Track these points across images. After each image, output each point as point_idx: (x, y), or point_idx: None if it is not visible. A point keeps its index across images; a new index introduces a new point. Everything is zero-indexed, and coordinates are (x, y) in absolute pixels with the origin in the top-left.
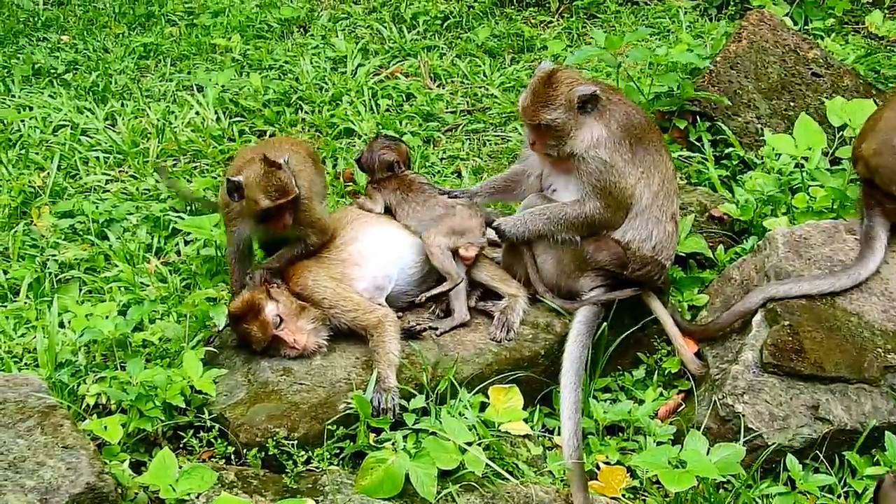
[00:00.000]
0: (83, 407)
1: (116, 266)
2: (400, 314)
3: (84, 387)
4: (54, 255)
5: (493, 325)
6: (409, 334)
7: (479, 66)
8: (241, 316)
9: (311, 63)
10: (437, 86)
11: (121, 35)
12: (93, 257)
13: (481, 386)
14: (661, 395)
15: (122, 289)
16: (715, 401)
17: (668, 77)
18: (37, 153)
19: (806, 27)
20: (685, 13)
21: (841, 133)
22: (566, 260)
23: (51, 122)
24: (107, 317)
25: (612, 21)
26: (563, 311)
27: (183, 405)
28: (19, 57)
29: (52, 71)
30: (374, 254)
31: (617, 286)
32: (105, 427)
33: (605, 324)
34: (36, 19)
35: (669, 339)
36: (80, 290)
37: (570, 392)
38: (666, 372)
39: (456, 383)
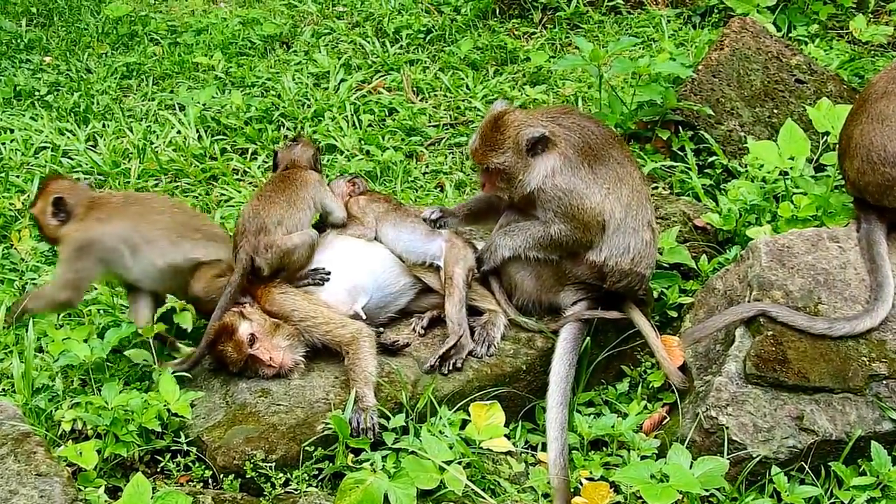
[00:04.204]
0: (59, 433)
1: (95, 289)
2: (381, 330)
3: (60, 412)
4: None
5: (474, 341)
6: (388, 350)
7: (462, 79)
8: (215, 339)
9: (294, 79)
10: (420, 99)
11: (104, 55)
12: None
13: (462, 403)
14: (646, 408)
15: (101, 311)
16: (699, 413)
17: (650, 88)
18: (17, 176)
19: (790, 34)
20: (668, 22)
21: (825, 139)
22: (545, 275)
23: (32, 143)
24: (85, 340)
25: (595, 31)
26: (545, 331)
27: (160, 429)
28: (1, 79)
29: (35, 93)
30: (341, 264)
31: (599, 298)
32: (80, 453)
33: (588, 339)
34: (19, 41)
35: (653, 352)
36: (59, 314)
37: (557, 412)
38: (650, 385)
39: (435, 402)
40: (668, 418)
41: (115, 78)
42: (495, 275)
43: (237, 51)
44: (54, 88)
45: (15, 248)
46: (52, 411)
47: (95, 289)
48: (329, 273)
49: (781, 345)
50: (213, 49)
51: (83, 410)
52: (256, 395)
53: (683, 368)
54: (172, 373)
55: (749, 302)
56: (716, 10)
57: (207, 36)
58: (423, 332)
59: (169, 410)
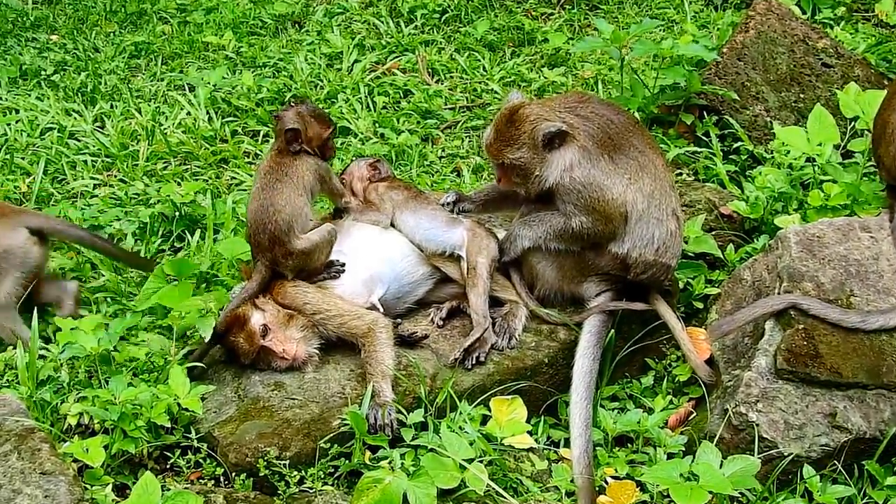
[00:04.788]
0: (65, 427)
1: (103, 275)
2: (398, 321)
3: (66, 405)
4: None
5: (495, 333)
6: (406, 342)
7: (479, 60)
8: (226, 329)
9: (306, 60)
10: (436, 81)
11: (112, 34)
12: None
13: (483, 397)
14: (672, 403)
15: (109, 299)
16: (728, 410)
17: (674, 71)
18: (23, 158)
19: (815, 17)
20: (689, 3)
21: (853, 125)
22: (567, 266)
23: (38, 124)
24: (93, 328)
25: (615, 12)
26: (569, 323)
27: (169, 424)
28: (6, 58)
29: (41, 72)
30: (355, 252)
31: (623, 289)
32: (86, 449)
33: (612, 331)
34: (25, 19)
35: (678, 345)
36: None
37: (582, 408)
38: (676, 379)
39: (455, 396)
40: (695, 413)
41: (124, 57)
42: (515, 265)
43: (248, 30)
44: (61, 68)
45: None
46: (57, 404)
47: (103, 275)
48: (344, 266)
49: (813, 339)
50: (224, 28)
51: (90, 404)
52: (269, 388)
53: (710, 362)
54: (181, 363)
55: (779, 294)
56: None
57: (217, 15)
58: (441, 323)
59: (179, 405)
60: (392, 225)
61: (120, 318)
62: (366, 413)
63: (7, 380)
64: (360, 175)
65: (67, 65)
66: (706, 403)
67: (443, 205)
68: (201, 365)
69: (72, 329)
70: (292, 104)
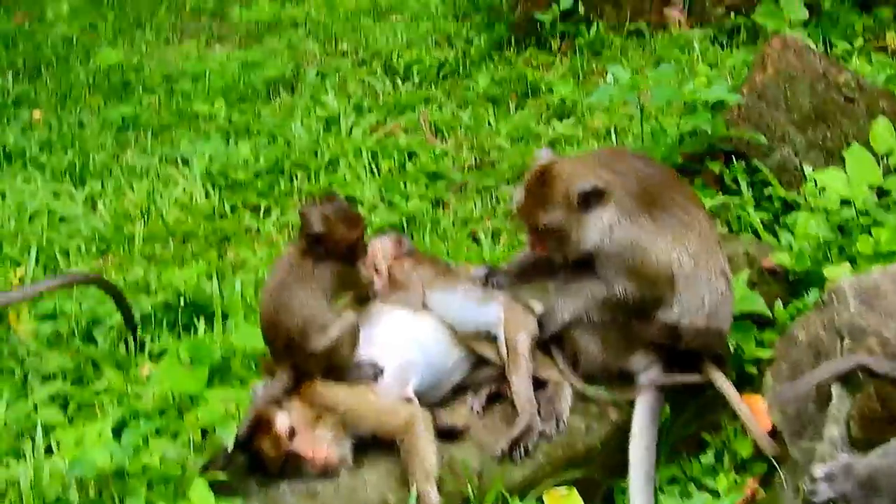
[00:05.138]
0: None
1: (106, 375)
2: (436, 411)
3: None
4: (36, 367)
5: (540, 418)
6: (448, 435)
7: (483, 114)
8: (249, 435)
9: (302, 125)
10: (440, 140)
11: (97, 108)
12: (79, 365)
13: (534, 491)
14: (736, 482)
15: (114, 401)
16: (801, 487)
17: (697, 116)
18: (12, 247)
19: (829, 51)
20: (701, 39)
21: (886, 161)
22: (612, 338)
23: (26, 208)
24: (99, 435)
25: (618, 56)
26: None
27: None
28: None
29: (25, 153)
30: (387, 340)
31: (674, 359)
32: None
33: (667, 407)
34: (6, 96)
35: (736, 415)
36: (67, 405)
37: (643, 496)
38: (737, 455)
39: (507, 494)
40: (763, 492)
41: (111, 132)
42: (556, 341)
43: (238, 97)
44: (46, 147)
45: (14, 332)
46: None
47: (105, 374)
48: (382, 370)
49: (887, 401)
50: (213, 95)
51: None
52: (302, 498)
53: (773, 433)
54: (202, 474)
55: (841, 354)
56: (743, 28)
57: (205, 82)
58: (481, 410)
59: None
60: (422, 305)
61: (132, 427)
62: None
63: (10, 500)
64: (383, 253)
65: (53, 143)
66: (774, 480)
67: (475, 279)
68: (223, 477)
69: (76, 443)
70: (319, 202)
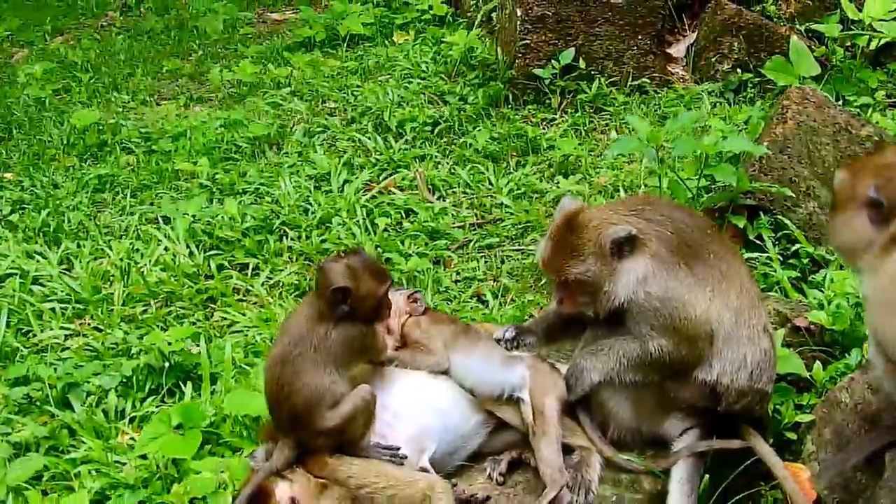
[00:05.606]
0: None
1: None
2: (453, 482)
3: None
4: (7, 435)
5: (568, 488)
6: None
7: (482, 172)
8: None
9: (291, 182)
10: (438, 198)
11: (71, 168)
12: (54, 432)
13: None
14: None
15: (93, 472)
16: None
17: (721, 169)
18: None
19: (844, 106)
20: (708, 94)
21: None
22: (645, 401)
23: None
24: None
25: (621, 113)
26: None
27: None
28: None
29: None
30: (405, 408)
31: (711, 423)
32: None
33: (706, 477)
34: None
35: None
36: (41, 477)
37: None
38: None
39: None
40: None
41: (87, 192)
42: (583, 404)
43: (222, 156)
44: (18, 207)
45: None
46: None
47: (84, 442)
48: (405, 456)
49: None
50: (195, 154)
51: None
52: None
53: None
54: None
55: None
56: (749, 85)
57: (186, 141)
58: (501, 479)
59: None
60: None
61: (115, 501)
62: None
63: None
64: (398, 310)
65: (26, 203)
66: None
67: (499, 341)
68: None
69: None
70: (342, 255)
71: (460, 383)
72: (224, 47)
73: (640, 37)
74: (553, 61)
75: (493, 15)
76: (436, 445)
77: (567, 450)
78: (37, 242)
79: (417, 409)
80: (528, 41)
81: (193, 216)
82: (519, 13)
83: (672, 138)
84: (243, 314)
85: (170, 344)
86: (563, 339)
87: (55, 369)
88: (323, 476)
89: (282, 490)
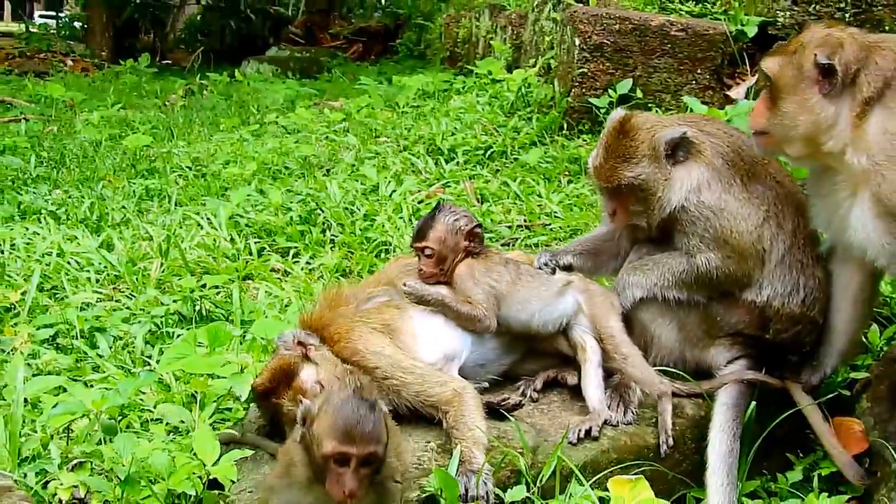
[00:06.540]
0: None
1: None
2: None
3: (55, 483)
4: (31, 359)
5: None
6: (497, 413)
7: (533, 185)
8: (269, 389)
9: (339, 190)
10: (486, 208)
11: (120, 187)
12: (76, 364)
13: (596, 478)
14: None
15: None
16: None
17: None
18: (13, 276)
19: None
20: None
21: None
22: (690, 324)
23: (35, 250)
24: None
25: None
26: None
27: (194, 491)
28: (3, 200)
29: (41, 211)
30: (437, 321)
31: (759, 357)
32: None
33: (753, 405)
34: (25, 175)
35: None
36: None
37: (722, 497)
38: (828, 474)
39: (566, 472)
40: None
41: (133, 199)
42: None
43: (271, 175)
44: (63, 205)
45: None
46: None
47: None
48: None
49: None
50: (245, 177)
51: (87, 473)
52: None
53: (861, 459)
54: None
55: None
56: None
57: (236, 167)
58: (536, 396)
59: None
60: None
61: (131, 378)
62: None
63: None
64: (454, 242)
65: (71, 202)
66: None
67: (539, 268)
68: (234, 433)
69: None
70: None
71: (524, 331)
72: (282, 113)
73: (699, 71)
74: (610, 91)
75: (552, 60)
76: (465, 354)
77: (608, 372)
78: (78, 229)
79: (446, 334)
80: (585, 70)
81: (237, 204)
82: (577, 42)
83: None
84: (281, 289)
85: (204, 287)
86: (599, 268)
87: (84, 316)
88: (351, 362)
89: (307, 373)
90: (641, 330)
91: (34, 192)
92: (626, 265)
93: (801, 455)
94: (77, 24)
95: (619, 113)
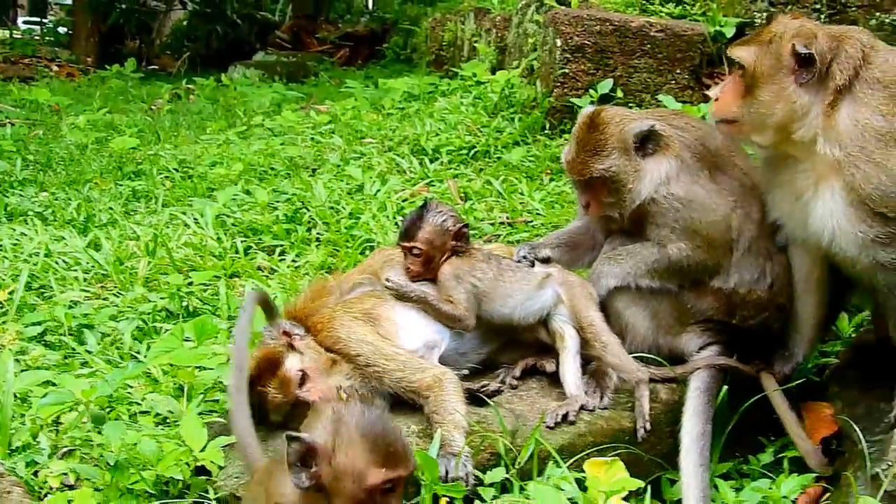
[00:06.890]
0: (45, 494)
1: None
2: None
3: (45, 471)
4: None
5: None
6: (476, 399)
7: (515, 184)
8: (255, 377)
9: (324, 189)
10: (469, 206)
11: (107, 189)
12: (64, 360)
13: (573, 460)
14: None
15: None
16: (878, 474)
17: None
18: (1, 276)
19: None
20: None
21: None
22: (662, 312)
23: (22, 251)
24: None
25: None
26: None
27: (182, 476)
28: None
29: (28, 213)
30: (418, 311)
31: (731, 344)
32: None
33: (725, 389)
34: (11, 178)
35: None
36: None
37: (695, 476)
38: (797, 456)
39: (542, 456)
40: (830, 492)
41: (120, 201)
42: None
43: (258, 175)
44: (51, 206)
45: None
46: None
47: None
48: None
49: None
50: (231, 174)
51: (77, 460)
52: None
53: (825, 446)
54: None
55: None
56: None
57: (223, 169)
58: (515, 383)
59: (192, 469)
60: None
61: (119, 370)
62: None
63: None
64: (441, 242)
65: (58, 204)
66: (842, 477)
67: (518, 262)
68: (220, 419)
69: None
70: None
71: (506, 323)
72: (269, 116)
73: (678, 71)
74: (591, 91)
75: (535, 61)
76: (446, 344)
77: (585, 360)
78: (66, 230)
79: (425, 325)
80: (566, 70)
81: (223, 204)
82: (559, 43)
83: None
84: (267, 286)
85: (191, 284)
86: (575, 260)
87: (72, 313)
88: (330, 346)
89: (291, 362)
90: (616, 318)
91: (20, 195)
92: (601, 256)
93: (772, 438)
94: (62, 30)
95: (589, 108)
